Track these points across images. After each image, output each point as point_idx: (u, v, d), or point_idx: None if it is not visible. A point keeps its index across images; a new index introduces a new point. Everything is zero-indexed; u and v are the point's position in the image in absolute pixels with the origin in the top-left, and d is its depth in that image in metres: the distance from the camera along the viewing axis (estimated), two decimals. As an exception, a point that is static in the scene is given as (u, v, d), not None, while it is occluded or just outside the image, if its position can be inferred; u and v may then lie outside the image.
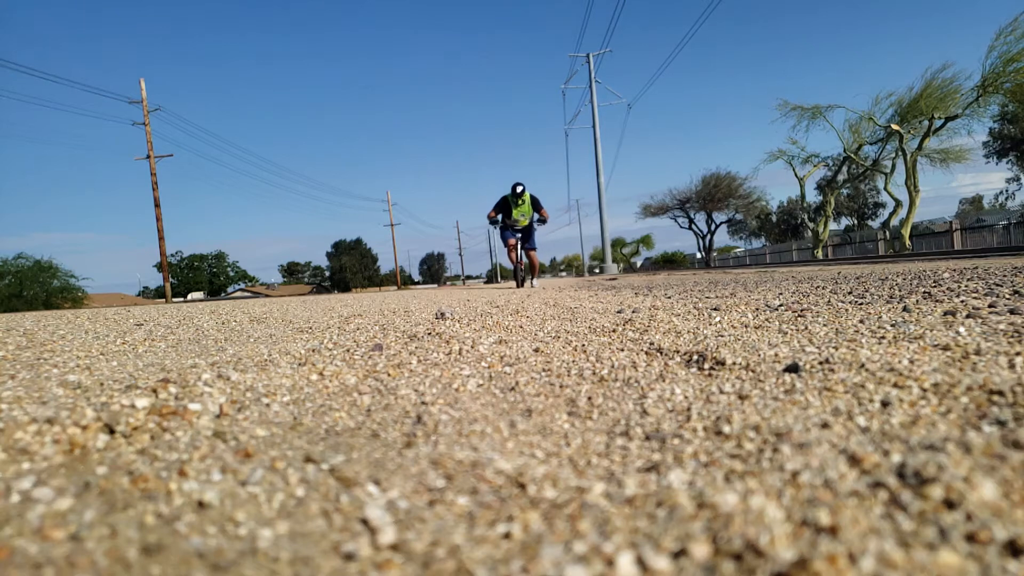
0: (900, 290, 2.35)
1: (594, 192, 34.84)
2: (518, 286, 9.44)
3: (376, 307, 3.70)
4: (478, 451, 0.81)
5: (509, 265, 9.96)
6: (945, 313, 1.55)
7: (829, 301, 2.16)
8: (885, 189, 22.85)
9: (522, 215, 9.49)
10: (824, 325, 1.55)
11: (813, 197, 35.78)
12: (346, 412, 1.01)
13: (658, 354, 1.41)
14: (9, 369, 1.34)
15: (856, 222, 44.19)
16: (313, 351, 1.52)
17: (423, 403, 1.07)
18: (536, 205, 9.52)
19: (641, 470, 0.71)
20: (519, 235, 9.65)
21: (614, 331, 1.81)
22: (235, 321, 2.85)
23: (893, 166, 22.69)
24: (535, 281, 10.14)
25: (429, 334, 1.88)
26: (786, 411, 0.86)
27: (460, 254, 75.29)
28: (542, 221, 9.68)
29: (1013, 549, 0.44)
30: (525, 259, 9.74)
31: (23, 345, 1.88)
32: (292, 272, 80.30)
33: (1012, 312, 1.45)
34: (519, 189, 9.23)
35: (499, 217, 9.57)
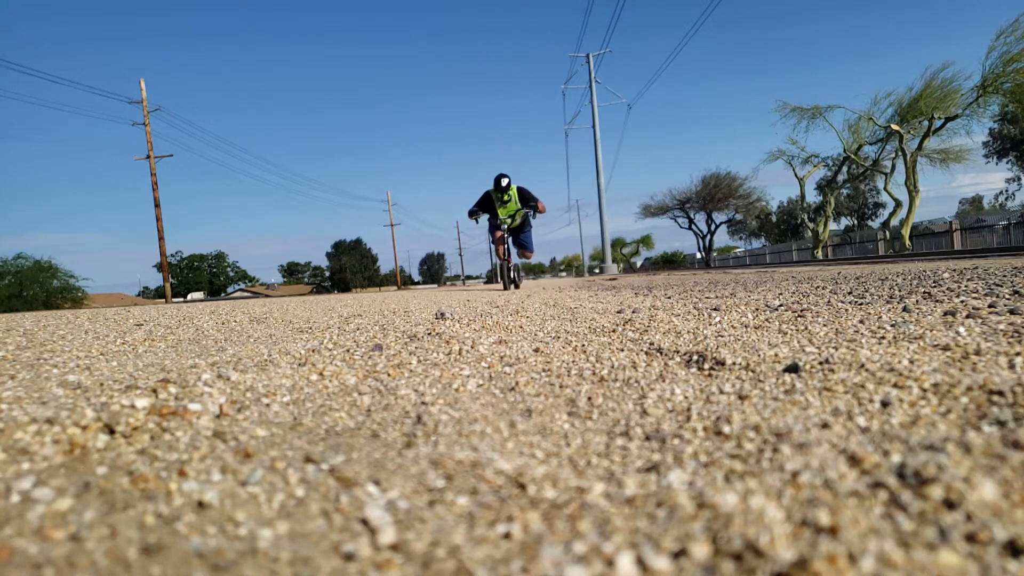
0: (900, 290, 2.34)
1: (594, 192, 34.86)
2: (505, 287, 7.59)
3: (376, 307, 3.70)
4: (478, 451, 0.81)
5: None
6: (945, 313, 1.55)
7: (829, 301, 2.16)
8: (885, 189, 22.86)
9: (510, 215, 7.70)
10: (824, 325, 1.55)
11: (813, 197, 35.83)
12: (346, 412, 1.01)
13: (658, 354, 1.40)
14: (9, 369, 1.34)
15: (856, 222, 44.23)
16: (313, 351, 1.52)
17: (423, 403, 1.07)
18: (527, 198, 7.67)
19: (641, 470, 0.71)
20: (505, 226, 7.81)
21: (614, 331, 1.81)
22: (235, 321, 2.85)
23: (893, 166, 22.70)
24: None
25: (429, 334, 1.88)
26: (786, 411, 0.86)
27: (460, 254, 75.34)
28: (532, 208, 7.67)
29: (1013, 549, 0.44)
30: (516, 259, 8.03)
31: (23, 345, 1.88)
32: (292, 272, 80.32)
33: (1012, 312, 1.45)
34: (504, 182, 7.35)
35: (483, 217, 7.85)
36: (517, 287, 7.70)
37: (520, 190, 7.66)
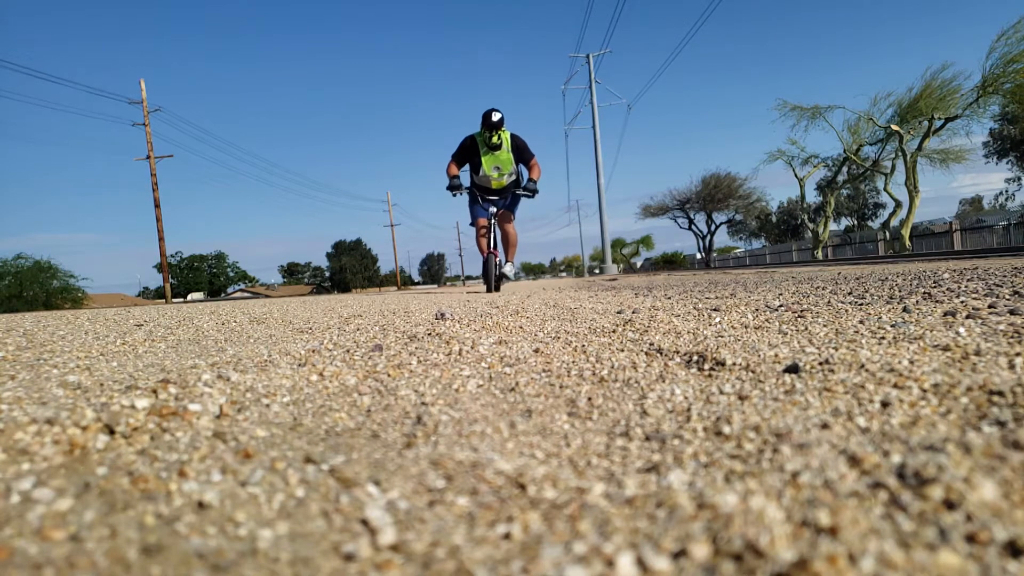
0: (900, 291, 2.34)
1: (594, 193, 34.91)
2: (489, 289, 5.82)
3: (376, 308, 3.70)
4: (478, 452, 0.81)
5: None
6: (945, 314, 1.55)
7: (829, 302, 2.16)
8: (885, 190, 22.87)
9: (497, 167, 5.81)
10: (824, 326, 1.55)
11: (813, 197, 35.91)
12: (346, 413, 1.01)
13: (658, 355, 1.40)
14: (9, 370, 1.34)
15: (856, 222, 44.27)
16: (313, 352, 1.52)
17: (423, 404, 1.07)
18: (522, 153, 5.82)
19: (641, 471, 0.71)
20: (494, 210, 5.95)
21: (614, 332, 1.81)
22: (235, 322, 2.85)
23: (893, 166, 22.73)
24: (508, 267, 6.27)
25: (429, 335, 1.87)
26: (786, 412, 0.86)
27: (460, 255, 75.41)
28: (531, 190, 5.81)
29: (1013, 549, 0.44)
30: (500, 253, 6.07)
31: (23, 346, 1.88)
32: (292, 273, 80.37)
33: (1012, 312, 1.45)
34: (495, 118, 5.50)
35: (464, 175, 5.97)
36: (497, 289, 5.91)
37: (514, 139, 5.84)
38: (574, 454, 0.80)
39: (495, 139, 5.65)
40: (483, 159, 5.79)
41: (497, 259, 6.00)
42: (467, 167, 6.09)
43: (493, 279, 5.85)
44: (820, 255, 24.97)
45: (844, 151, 23.57)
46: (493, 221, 6.00)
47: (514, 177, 6.09)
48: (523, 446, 0.84)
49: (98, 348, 1.82)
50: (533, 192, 5.90)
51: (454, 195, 5.99)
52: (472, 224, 6.15)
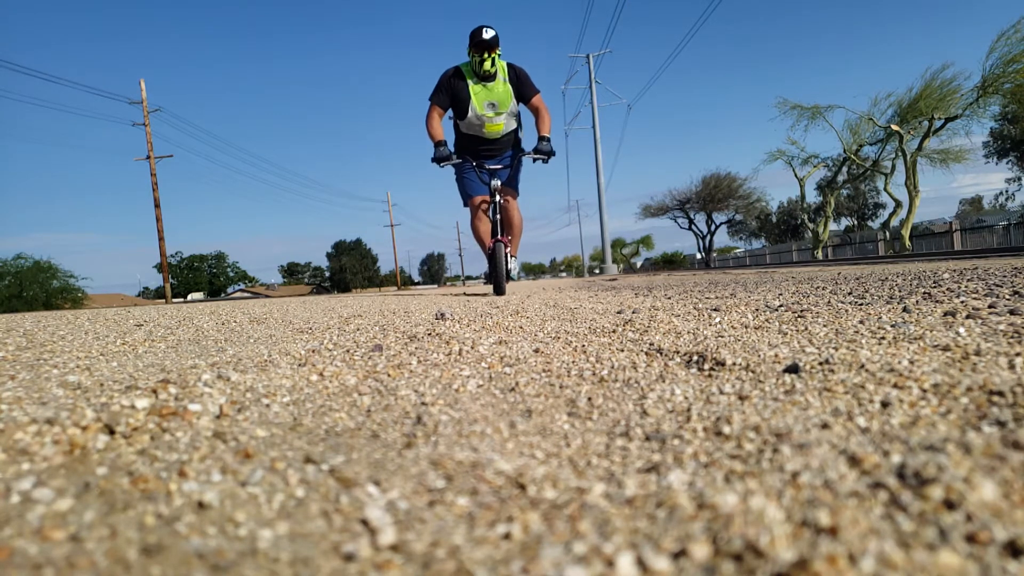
0: (900, 291, 2.34)
1: (594, 193, 34.93)
2: (497, 290, 4.35)
3: (376, 308, 3.69)
4: (478, 452, 0.81)
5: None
6: (945, 314, 1.55)
7: (829, 302, 2.16)
8: (885, 190, 22.88)
9: (492, 104, 4.27)
10: (824, 326, 1.55)
11: (813, 198, 35.91)
12: (346, 413, 1.01)
13: (658, 355, 1.40)
14: (9, 370, 1.34)
15: (856, 223, 44.30)
16: (313, 352, 1.52)
17: (423, 404, 1.07)
18: (524, 86, 4.31)
19: (641, 471, 0.71)
20: (497, 183, 4.37)
21: (614, 332, 1.81)
22: (235, 322, 2.85)
23: (893, 166, 22.74)
24: (513, 263, 4.75)
25: (429, 335, 1.87)
26: (786, 412, 0.86)
27: (460, 254, 75.42)
28: (545, 152, 4.31)
29: (1013, 549, 0.44)
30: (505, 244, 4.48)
31: (23, 346, 1.88)
32: (292, 273, 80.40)
33: (1012, 313, 1.45)
34: (488, 35, 4.04)
35: (448, 137, 4.45)
36: (503, 290, 4.38)
37: (512, 68, 4.31)
38: (574, 454, 0.80)
39: (488, 65, 4.09)
40: (472, 93, 4.21)
41: (507, 249, 4.50)
42: (451, 117, 4.52)
43: (504, 276, 4.28)
44: (820, 255, 24.98)
45: (844, 151, 23.58)
46: (496, 198, 4.43)
47: (515, 125, 4.55)
48: (523, 446, 0.84)
49: (98, 348, 1.82)
50: (548, 154, 4.34)
51: (441, 166, 4.42)
52: (466, 204, 4.61)
